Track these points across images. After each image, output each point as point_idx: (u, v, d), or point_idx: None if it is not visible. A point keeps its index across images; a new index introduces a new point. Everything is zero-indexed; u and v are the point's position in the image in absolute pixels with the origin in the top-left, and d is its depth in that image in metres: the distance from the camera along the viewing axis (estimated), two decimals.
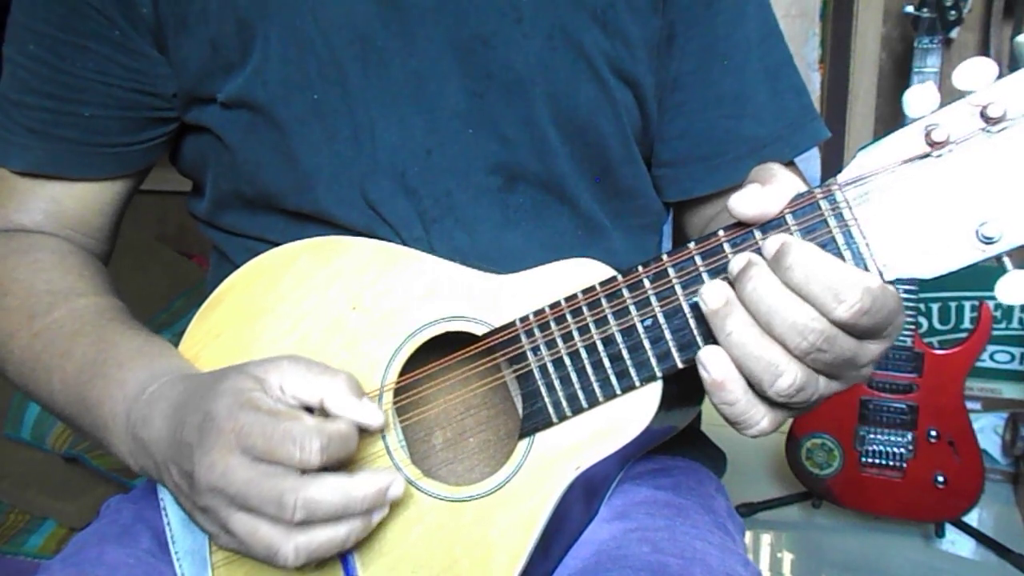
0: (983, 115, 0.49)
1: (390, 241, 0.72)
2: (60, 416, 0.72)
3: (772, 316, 0.51)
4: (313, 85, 0.71)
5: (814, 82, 2.28)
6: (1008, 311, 2.16)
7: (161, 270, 2.35)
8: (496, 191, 0.74)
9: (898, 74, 2.13)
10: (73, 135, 0.76)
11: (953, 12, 1.72)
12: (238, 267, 0.71)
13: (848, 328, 0.51)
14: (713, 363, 0.54)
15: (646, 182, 0.81)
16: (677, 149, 0.80)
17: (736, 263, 0.53)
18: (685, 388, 0.63)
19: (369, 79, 0.72)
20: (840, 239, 0.52)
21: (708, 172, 0.79)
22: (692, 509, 0.78)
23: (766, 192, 0.53)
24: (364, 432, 0.64)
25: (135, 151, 0.79)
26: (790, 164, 0.82)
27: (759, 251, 0.53)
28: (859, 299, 0.49)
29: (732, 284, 0.53)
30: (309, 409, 0.60)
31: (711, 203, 0.82)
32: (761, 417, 0.55)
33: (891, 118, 2.14)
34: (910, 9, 1.77)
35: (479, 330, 0.63)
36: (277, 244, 0.71)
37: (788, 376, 0.52)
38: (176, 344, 0.72)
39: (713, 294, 0.53)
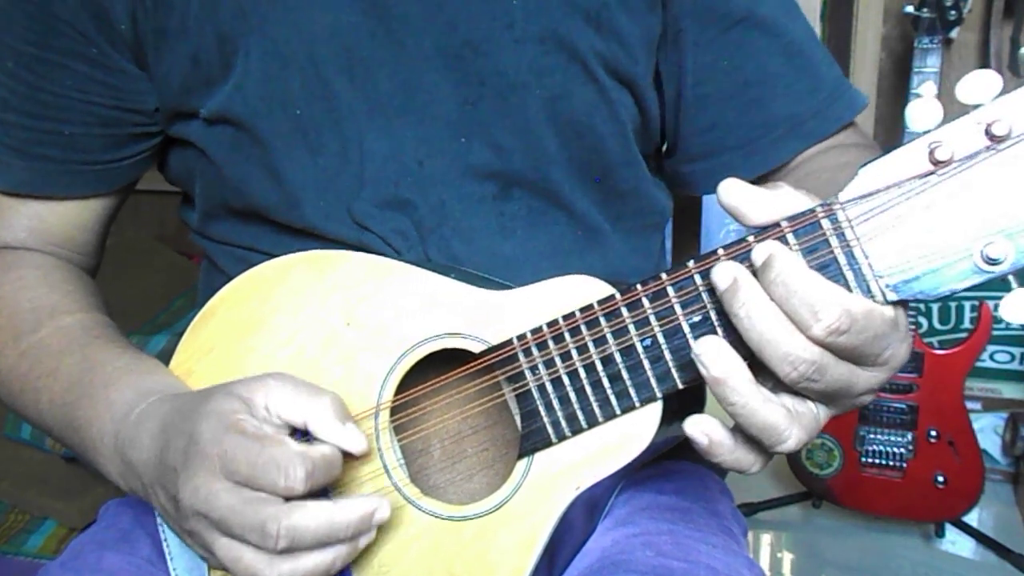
0: (988, 133, 0.48)
1: (382, 253, 0.71)
2: (50, 435, 0.72)
3: (763, 345, 0.50)
4: (296, 100, 0.70)
5: None
6: None
7: (161, 270, 2.35)
8: (491, 199, 0.73)
9: (898, 74, 2.12)
10: (55, 153, 0.75)
11: (953, 12, 1.71)
12: (228, 276, 0.70)
13: (826, 348, 0.50)
14: (699, 430, 0.54)
15: (647, 182, 0.80)
16: (708, 141, 0.79)
17: (722, 277, 0.51)
18: (686, 401, 0.63)
19: (356, 91, 0.70)
20: (842, 260, 0.51)
21: (745, 158, 0.78)
22: (696, 512, 0.77)
23: (755, 192, 0.52)
24: (353, 460, 0.63)
25: (119, 168, 0.79)
26: (850, 125, 0.79)
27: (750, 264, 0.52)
28: (836, 318, 0.49)
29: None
30: (295, 429, 0.59)
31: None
32: (752, 462, 0.55)
33: (891, 118, 2.13)
34: (910, 9, 1.76)
35: (476, 347, 0.62)
36: (269, 254, 0.70)
37: (792, 442, 0.52)
38: (175, 345, 0.71)
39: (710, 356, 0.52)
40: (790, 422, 0.52)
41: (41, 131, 0.75)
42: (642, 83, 0.75)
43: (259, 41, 0.69)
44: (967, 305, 2.17)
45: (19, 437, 2.00)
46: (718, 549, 0.72)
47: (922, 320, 2.21)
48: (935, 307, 2.20)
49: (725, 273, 0.51)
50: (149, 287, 2.23)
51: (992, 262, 0.49)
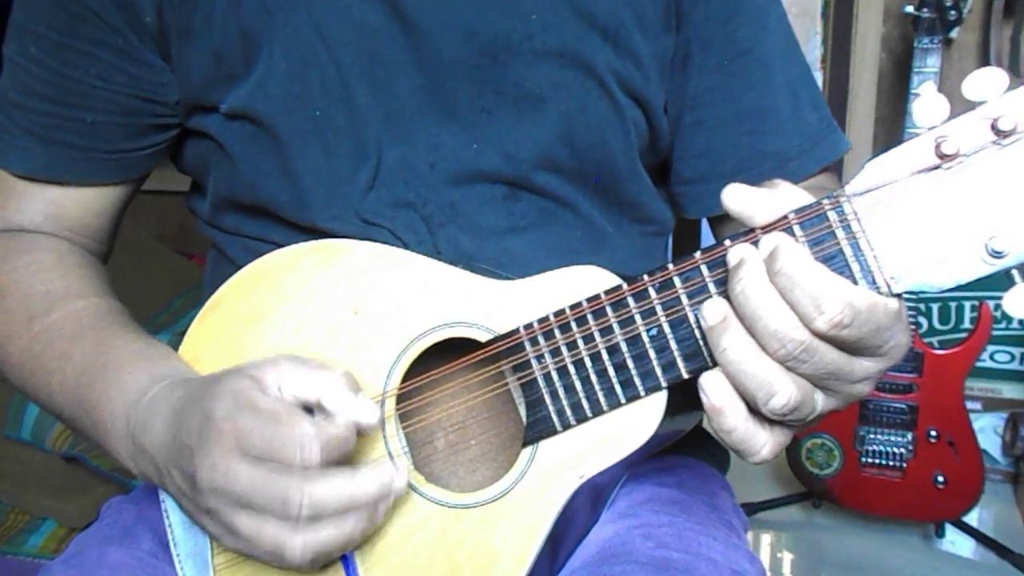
0: (994, 128, 0.49)
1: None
2: (60, 418, 0.72)
3: (755, 321, 0.51)
4: (315, 100, 0.71)
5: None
6: None
7: (161, 270, 2.34)
8: (501, 199, 0.74)
9: (898, 74, 2.13)
10: (74, 140, 0.76)
11: (953, 12, 1.72)
12: (237, 265, 0.70)
13: (829, 341, 0.51)
14: (713, 388, 0.54)
15: (650, 194, 0.81)
16: (699, 167, 0.80)
17: (731, 257, 0.53)
18: (690, 393, 0.63)
19: (376, 95, 0.71)
20: (848, 251, 0.52)
21: None
22: (696, 506, 0.78)
23: (760, 194, 0.53)
24: (365, 435, 0.64)
25: (136, 157, 0.79)
26: (824, 171, 0.81)
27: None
28: (839, 312, 0.49)
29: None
30: (307, 407, 0.60)
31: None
32: (762, 445, 0.55)
33: (891, 118, 2.14)
34: (910, 9, 1.77)
35: (482, 337, 0.63)
36: (278, 244, 0.70)
37: (782, 395, 0.52)
38: (177, 345, 0.71)
39: (713, 310, 0.53)
40: (782, 376, 0.52)
41: (62, 117, 0.75)
42: (654, 102, 0.76)
43: (282, 40, 0.70)
44: (967, 305, 2.18)
45: (19, 437, 2.00)
46: (718, 542, 0.73)
47: (922, 320, 2.21)
48: (935, 307, 2.21)
49: (736, 252, 0.52)
50: (149, 287, 2.23)
51: (997, 255, 0.49)
